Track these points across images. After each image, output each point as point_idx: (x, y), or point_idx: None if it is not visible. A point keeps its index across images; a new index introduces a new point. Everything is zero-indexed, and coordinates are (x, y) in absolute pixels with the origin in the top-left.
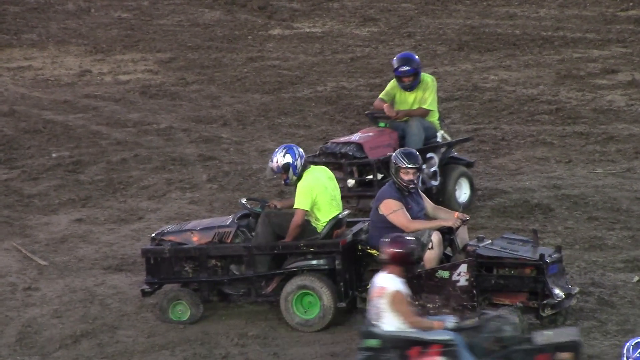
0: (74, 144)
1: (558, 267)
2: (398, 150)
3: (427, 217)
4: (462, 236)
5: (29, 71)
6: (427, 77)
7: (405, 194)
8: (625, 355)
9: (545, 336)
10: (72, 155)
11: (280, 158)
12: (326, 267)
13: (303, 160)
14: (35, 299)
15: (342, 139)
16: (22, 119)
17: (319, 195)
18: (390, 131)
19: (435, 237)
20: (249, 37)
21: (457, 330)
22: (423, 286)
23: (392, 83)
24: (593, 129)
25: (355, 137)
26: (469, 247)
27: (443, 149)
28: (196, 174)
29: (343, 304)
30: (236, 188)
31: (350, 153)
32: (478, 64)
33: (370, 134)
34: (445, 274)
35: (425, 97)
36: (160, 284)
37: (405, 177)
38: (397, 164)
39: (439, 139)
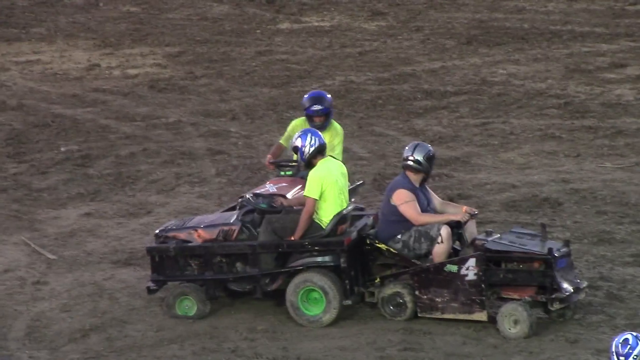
0: (83, 138)
1: (566, 261)
2: (411, 143)
3: (436, 211)
4: (471, 230)
5: (38, 65)
6: (337, 125)
7: (416, 187)
8: (614, 353)
9: None
10: (80, 149)
11: (295, 137)
12: (331, 264)
13: (314, 149)
14: (44, 293)
15: (258, 190)
16: (31, 113)
17: (328, 187)
18: (301, 180)
19: (444, 231)
20: (258, 31)
21: None
22: (432, 280)
23: (295, 124)
24: (601, 123)
25: (272, 188)
26: (477, 241)
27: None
28: (205, 168)
29: (349, 302)
30: (245, 182)
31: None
32: (487, 58)
33: (284, 184)
34: (453, 268)
35: (334, 144)
36: (165, 282)
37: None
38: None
39: None
